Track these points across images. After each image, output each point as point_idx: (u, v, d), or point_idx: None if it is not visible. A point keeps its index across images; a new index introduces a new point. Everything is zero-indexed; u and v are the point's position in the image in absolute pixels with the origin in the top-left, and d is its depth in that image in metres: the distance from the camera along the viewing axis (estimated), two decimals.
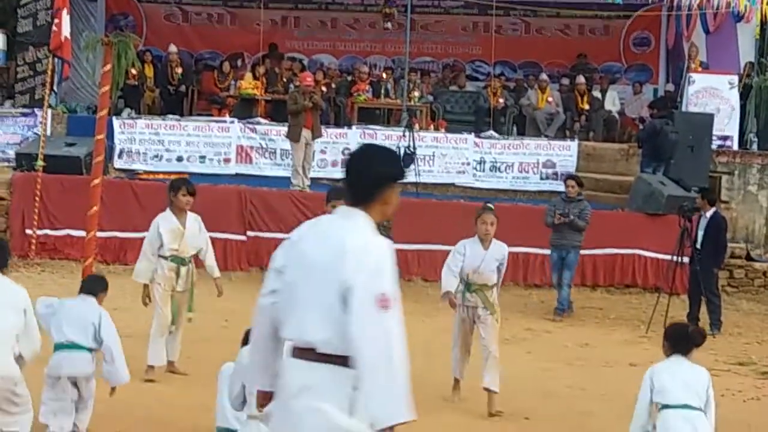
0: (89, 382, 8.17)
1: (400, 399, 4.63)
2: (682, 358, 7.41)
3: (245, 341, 6.92)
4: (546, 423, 10.91)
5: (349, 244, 4.77)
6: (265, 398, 5.19)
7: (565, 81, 22.85)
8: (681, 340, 7.47)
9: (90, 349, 8.39)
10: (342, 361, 4.76)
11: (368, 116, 21.45)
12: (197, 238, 10.10)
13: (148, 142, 19.63)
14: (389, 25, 22.38)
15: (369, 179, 4.93)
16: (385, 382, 4.67)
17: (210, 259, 10.24)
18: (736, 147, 19.72)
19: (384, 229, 13.05)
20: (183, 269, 9.68)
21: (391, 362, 4.66)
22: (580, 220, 15.43)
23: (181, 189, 10.09)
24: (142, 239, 16.13)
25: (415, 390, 5.49)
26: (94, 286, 8.32)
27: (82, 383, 8.10)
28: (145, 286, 10.18)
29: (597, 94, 22.60)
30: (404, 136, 19.21)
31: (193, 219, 10.11)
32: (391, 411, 4.60)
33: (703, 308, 14.82)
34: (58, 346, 7.98)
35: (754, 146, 20.06)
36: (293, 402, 4.89)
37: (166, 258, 9.67)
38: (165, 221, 9.71)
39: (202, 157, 19.68)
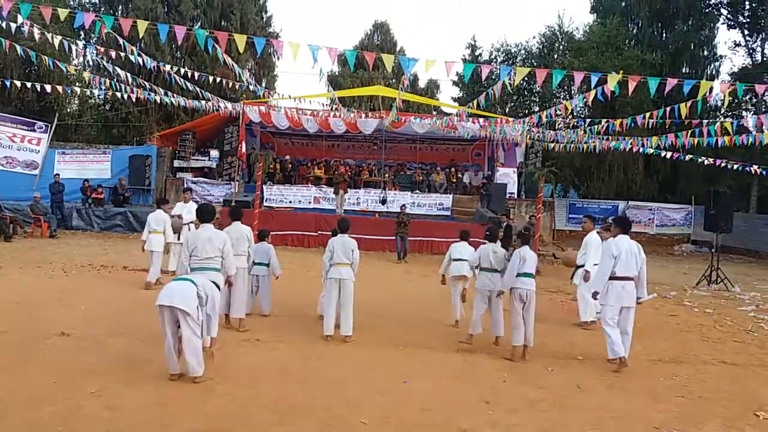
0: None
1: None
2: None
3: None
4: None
5: (639, 247, 6.55)
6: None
7: (447, 170, 22.04)
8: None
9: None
10: (635, 280, 6.44)
11: (368, 184, 20.98)
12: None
13: (278, 195, 19.48)
14: (376, 147, 22.16)
15: (629, 225, 6.71)
16: (645, 283, 6.51)
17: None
18: (516, 197, 19.85)
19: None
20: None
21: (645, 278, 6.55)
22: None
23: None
24: (274, 235, 16.33)
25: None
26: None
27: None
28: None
29: (460, 176, 21.99)
30: (383, 192, 19.49)
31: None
32: (646, 292, 6.55)
33: None
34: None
35: (523, 196, 20.42)
36: (627, 290, 6.38)
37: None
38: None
39: (300, 201, 19.43)
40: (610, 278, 6.46)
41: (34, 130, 19.64)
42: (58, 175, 17.81)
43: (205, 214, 6.12)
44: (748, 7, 26.15)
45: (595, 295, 6.64)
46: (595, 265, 8.56)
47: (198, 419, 4.45)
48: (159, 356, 5.53)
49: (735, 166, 14.70)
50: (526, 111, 29.07)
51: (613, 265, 6.41)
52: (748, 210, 23.67)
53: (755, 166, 13.98)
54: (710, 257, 14.20)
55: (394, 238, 15.95)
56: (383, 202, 19.14)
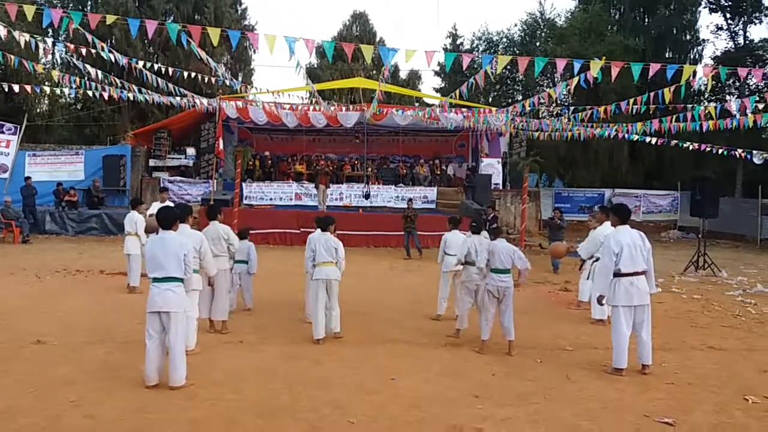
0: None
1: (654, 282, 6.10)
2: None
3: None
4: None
5: (642, 236, 6.04)
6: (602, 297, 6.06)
7: (431, 162, 22.13)
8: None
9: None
10: (643, 272, 5.97)
11: (351, 179, 20.88)
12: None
13: (257, 192, 19.27)
14: (358, 141, 21.99)
15: (629, 214, 6.20)
16: (653, 276, 6.09)
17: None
18: (501, 188, 20.05)
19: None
20: None
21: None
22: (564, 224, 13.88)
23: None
24: (255, 234, 15.94)
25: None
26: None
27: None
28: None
29: (444, 167, 22.18)
30: (366, 187, 19.45)
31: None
32: (654, 285, 6.12)
33: None
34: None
35: (508, 187, 20.39)
36: (637, 287, 5.91)
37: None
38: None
39: (281, 198, 19.30)
40: (617, 275, 5.98)
41: (3, 132, 19.30)
42: (30, 178, 17.57)
43: (163, 220, 5.37)
44: None
45: (600, 299, 6.13)
46: (589, 259, 8.63)
47: (180, 426, 4.40)
48: (139, 363, 5.46)
49: (720, 151, 14.86)
50: (510, 100, 29.16)
51: (616, 263, 5.96)
52: (733, 194, 24.00)
53: (740, 150, 14.12)
54: (697, 243, 14.36)
55: (382, 234, 15.76)
56: (367, 196, 19.11)
